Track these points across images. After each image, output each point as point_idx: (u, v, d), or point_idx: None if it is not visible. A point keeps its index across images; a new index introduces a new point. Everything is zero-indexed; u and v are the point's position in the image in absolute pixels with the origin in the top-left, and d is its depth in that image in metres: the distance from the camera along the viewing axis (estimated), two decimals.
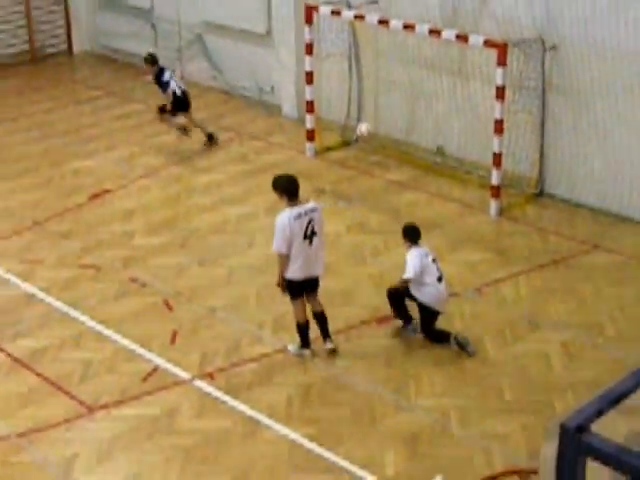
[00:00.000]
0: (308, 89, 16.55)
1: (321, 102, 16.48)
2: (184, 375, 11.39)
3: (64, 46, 23.17)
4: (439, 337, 12.26)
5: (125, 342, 12.21)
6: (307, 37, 16.13)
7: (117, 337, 12.38)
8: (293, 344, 11.99)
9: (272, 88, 18.39)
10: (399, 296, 12.25)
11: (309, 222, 10.81)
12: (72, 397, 11.12)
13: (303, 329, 11.65)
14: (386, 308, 12.48)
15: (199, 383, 11.28)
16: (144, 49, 19.55)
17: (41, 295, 13.34)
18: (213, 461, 10.03)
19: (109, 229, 15.22)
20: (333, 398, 11.12)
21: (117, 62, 21.94)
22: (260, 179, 15.73)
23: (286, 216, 10.66)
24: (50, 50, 22.78)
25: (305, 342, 11.74)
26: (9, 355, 11.95)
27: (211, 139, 18.16)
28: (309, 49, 15.87)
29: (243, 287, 13.48)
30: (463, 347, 11.80)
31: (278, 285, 11.61)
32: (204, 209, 14.38)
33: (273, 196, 13.35)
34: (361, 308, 12.86)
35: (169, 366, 11.56)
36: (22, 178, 17.30)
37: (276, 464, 9.87)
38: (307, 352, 11.81)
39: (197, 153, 18.25)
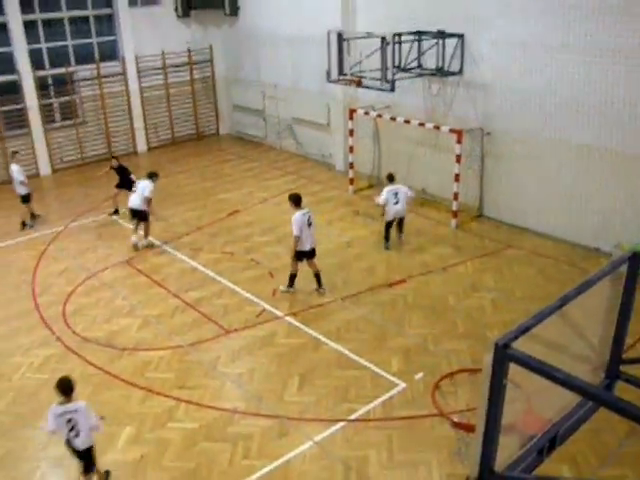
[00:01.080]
0: (350, 156, 16.63)
1: (357, 163, 16.38)
2: (279, 313, 11.69)
3: (214, 130, 23.31)
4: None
5: (247, 295, 12.50)
6: (349, 127, 16.24)
7: (242, 292, 12.64)
8: (282, 286, 12.42)
9: (330, 155, 18.42)
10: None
11: (309, 217, 11.70)
12: (217, 324, 11.55)
13: (293, 277, 12.22)
14: (394, 278, 12.75)
15: (288, 318, 11.63)
16: (259, 133, 19.46)
17: (201, 268, 13.73)
18: (294, 361, 10.42)
19: (238, 232, 15.57)
20: (362, 328, 11.29)
21: (244, 140, 22.40)
22: (322, 206, 16.12)
23: (299, 214, 11.73)
24: (207, 132, 23.03)
25: (291, 285, 12.23)
26: (183, 301, 12.14)
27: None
28: (350, 133, 16.52)
29: (319, 265, 12.80)
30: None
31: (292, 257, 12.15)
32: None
33: (331, 215, 13.63)
34: (378, 278, 12.88)
35: (271, 308, 11.69)
36: (190, 203, 17.75)
37: (329, 365, 10.29)
38: (292, 290, 12.24)
39: (289, 190, 18.48)
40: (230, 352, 10.69)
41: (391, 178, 14.13)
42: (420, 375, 9.87)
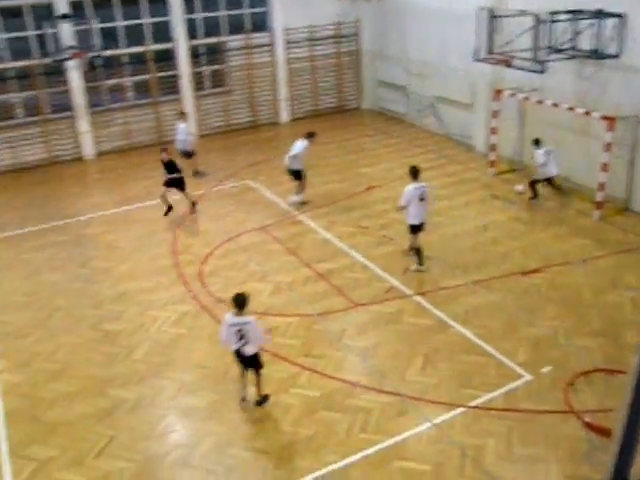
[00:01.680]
0: (492, 137, 16.02)
1: (499, 145, 15.98)
2: (408, 292, 11.57)
3: (356, 105, 23.21)
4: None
5: (378, 270, 12.51)
6: (494, 107, 15.61)
7: (373, 267, 12.66)
8: (414, 265, 12.29)
9: (471, 135, 17.80)
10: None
11: (422, 191, 11.55)
12: (346, 297, 11.64)
13: (419, 253, 12.12)
14: (529, 266, 12.30)
15: (416, 297, 11.52)
16: (401, 110, 19.26)
17: (334, 240, 13.84)
18: (419, 341, 10.29)
19: (375, 207, 15.46)
20: (491, 314, 11.01)
21: (386, 116, 22.30)
22: (460, 187, 15.88)
23: (412, 187, 11.69)
24: (349, 106, 23.11)
25: (421, 262, 12.11)
26: (315, 271, 12.39)
27: None
28: (495, 114, 15.73)
29: (452, 247, 13.29)
30: None
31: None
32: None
33: (468, 197, 13.28)
34: (513, 264, 12.55)
35: (401, 286, 11.82)
36: (330, 175, 17.72)
37: (454, 348, 10.13)
38: (423, 268, 12.07)
39: (426, 169, 17.75)
40: (357, 325, 10.74)
41: (537, 142, 14.45)
42: (548, 369, 9.49)
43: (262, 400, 8.99)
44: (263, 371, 8.93)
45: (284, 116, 23.09)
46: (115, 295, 12.17)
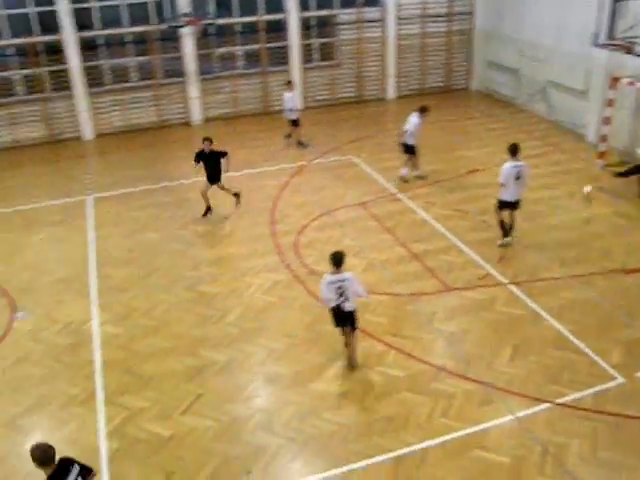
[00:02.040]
0: (604, 127, 15.45)
1: (611, 136, 15.45)
2: (503, 280, 11.35)
3: (464, 85, 22.85)
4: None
5: (474, 255, 12.27)
6: (609, 96, 14.89)
7: (469, 252, 12.43)
8: (499, 239, 12.36)
9: (582, 124, 17.02)
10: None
11: (519, 170, 11.53)
12: (439, 280, 11.54)
13: (502, 225, 12.14)
14: (632, 264, 11.68)
15: (511, 287, 11.22)
16: (510, 93, 18.68)
17: (432, 222, 13.75)
18: (510, 331, 10.09)
19: (475, 191, 15.05)
20: (588, 310, 10.57)
21: (493, 98, 21.75)
22: (565, 177, 15.61)
23: (509, 165, 11.72)
24: (456, 86, 22.99)
25: (505, 234, 12.14)
26: (410, 251, 12.37)
27: None
28: (610, 103, 14.94)
29: (552, 237, 12.85)
30: None
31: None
32: (531, 190, 13.61)
33: (573, 187, 12.83)
34: (614, 261, 11.99)
35: (496, 274, 11.53)
36: (431, 155, 16.97)
37: (545, 342, 9.81)
38: (508, 240, 12.16)
39: (531, 156, 16.40)
40: (447, 310, 10.63)
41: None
42: None
43: (352, 364, 9.22)
44: (357, 332, 9.16)
45: (390, 93, 22.88)
46: (212, 259, 12.50)
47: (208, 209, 14.17)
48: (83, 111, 20.03)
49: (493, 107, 21.65)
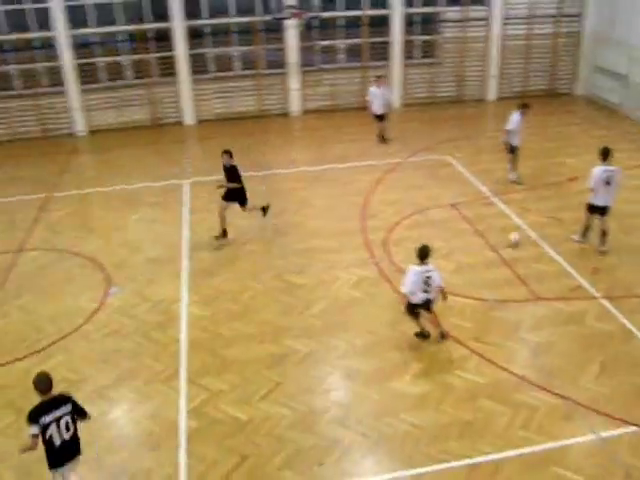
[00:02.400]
0: None
1: None
2: (596, 294, 10.96)
3: (567, 90, 22.83)
4: None
5: (566, 266, 11.84)
6: None
7: (562, 262, 11.99)
8: (575, 235, 12.39)
9: None
10: None
11: (609, 175, 11.31)
12: (528, 288, 11.19)
13: (586, 229, 12.19)
14: None
15: (604, 301, 10.77)
16: (616, 99, 17.95)
17: (525, 227, 13.26)
18: (598, 347, 9.64)
19: (573, 200, 14.15)
20: None
21: (598, 104, 21.58)
22: None
23: (598, 169, 11.56)
24: (559, 90, 22.60)
25: (584, 235, 12.22)
26: (500, 256, 12.25)
27: None
28: None
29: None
30: None
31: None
32: (631, 202, 13.51)
33: None
34: None
35: (588, 286, 11.15)
36: (528, 161, 16.04)
37: (636, 361, 9.31)
38: (584, 240, 12.23)
39: (633, 167, 15.05)
40: (534, 319, 10.34)
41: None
42: None
43: (443, 336, 9.64)
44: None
45: (491, 94, 22.41)
46: (302, 249, 12.61)
47: (224, 233, 12.78)
48: (186, 97, 20.58)
49: (597, 113, 20.83)
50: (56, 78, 19.89)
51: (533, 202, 14.35)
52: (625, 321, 10.19)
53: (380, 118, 18.10)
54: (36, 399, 6.52)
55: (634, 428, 8.13)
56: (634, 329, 9.99)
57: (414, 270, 9.20)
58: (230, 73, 20.94)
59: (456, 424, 8.24)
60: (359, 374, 9.17)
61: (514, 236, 12.45)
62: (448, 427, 8.20)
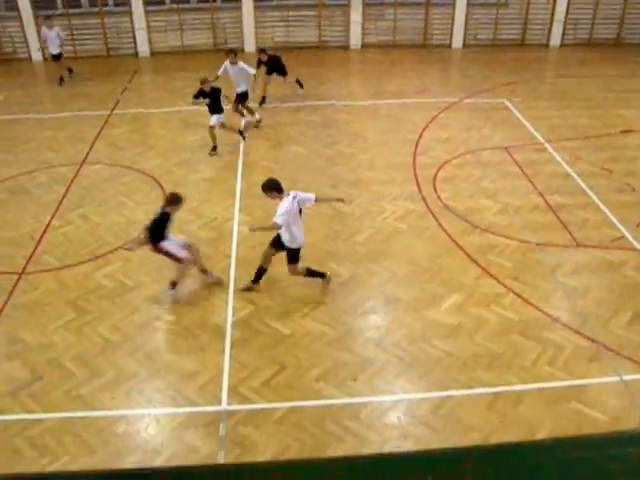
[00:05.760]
0: None
1: None
2: (638, 246, 10.85)
3: (638, 40, 21.01)
4: None
5: (610, 216, 11.79)
6: None
7: (607, 212, 11.94)
8: None
9: None
10: None
11: None
12: (571, 234, 11.28)
13: None
14: None
15: None
16: None
17: (574, 176, 13.23)
18: (633, 297, 9.71)
19: (625, 152, 14.23)
20: None
21: None
22: None
23: None
24: (629, 40, 22.08)
25: None
26: (546, 202, 12.28)
27: None
28: None
29: None
30: None
31: None
32: None
33: None
34: None
35: (631, 238, 11.17)
36: (584, 110, 16.45)
37: None
38: None
39: None
40: (573, 264, 10.48)
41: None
42: None
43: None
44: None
45: (555, 40, 21.96)
46: (352, 180, 12.92)
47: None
48: (248, 24, 20.69)
49: None
50: None
51: (584, 150, 14.25)
52: None
53: None
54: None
55: None
56: None
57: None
58: (292, 2, 20.90)
59: (486, 355, 8.60)
60: (398, 301, 9.57)
61: None
62: (478, 357, 8.57)
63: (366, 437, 7.38)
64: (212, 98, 13.41)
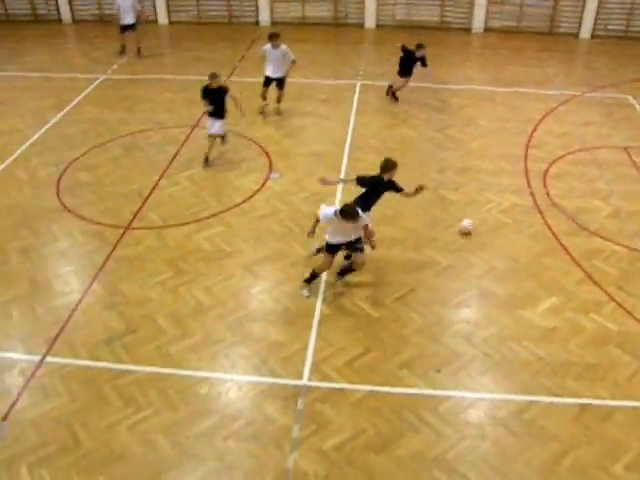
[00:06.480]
0: None
1: None
2: None
3: None
4: None
5: None
6: None
7: None
8: None
9: None
10: None
11: None
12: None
13: None
14: None
15: None
16: None
17: None
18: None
19: None
20: None
21: None
22: None
23: None
24: None
25: None
26: None
27: None
28: None
29: None
30: None
31: None
32: None
33: None
34: None
35: None
36: None
37: None
38: None
39: None
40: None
41: None
42: None
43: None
44: None
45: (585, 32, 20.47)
46: (460, 167, 12.62)
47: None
48: (369, 0, 20.44)
49: None
50: None
51: None
52: None
53: None
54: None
55: None
56: None
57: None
58: None
59: (578, 364, 8.23)
60: (493, 296, 9.30)
61: (466, 223, 10.74)
62: (570, 365, 8.21)
63: (442, 431, 7.25)
64: (217, 98, 11.90)
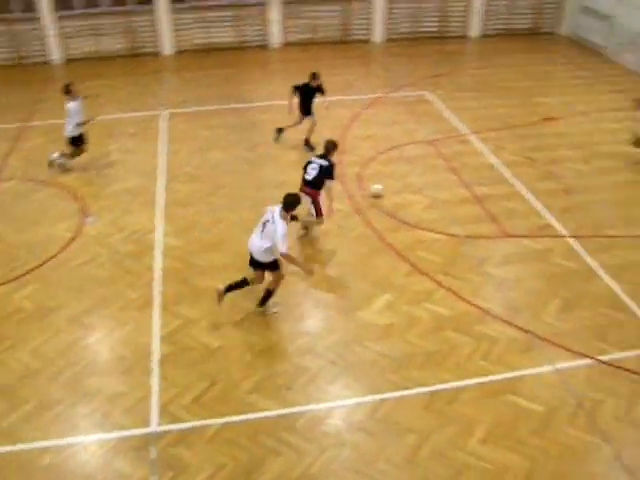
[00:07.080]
0: None
1: None
2: (564, 232, 11.26)
3: (551, 29, 21.29)
4: None
5: (537, 205, 12.08)
6: None
7: (533, 200, 12.25)
8: None
9: None
10: None
11: None
12: (498, 225, 11.48)
13: None
14: None
15: (570, 240, 11.07)
16: (601, 42, 18.19)
17: (499, 166, 13.51)
18: (562, 284, 9.97)
19: (547, 140, 14.76)
20: None
21: (581, 45, 21.96)
22: None
23: None
24: (543, 30, 21.21)
25: None
26: (472, 193, 12.22)
27: None
28: None
29: (630, 197, 12.51)
30: None
31: None
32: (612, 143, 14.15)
33: None
34: None
35: (557, 225, 11.46)
36: (506, 99, 17.02)
37: (597, 299, 9.66)
38: None
39: (611, 109, 15.63)
40: (502, 255, 10.60)
41: None
42: None
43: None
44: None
45: (474, 31, 22.25)
46: (277, 182, 12.67)
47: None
48: (164, 27, 20.25)
49: (580, 55, 20.82)
50: (29, 2, 19.38)
51: (508, 140, 14.52)
52: (590, 260, 10.50)
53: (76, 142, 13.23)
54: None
55: (590, 361, 8.50)
56: (598, 268, 10.29)
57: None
58: (209, 2, 20.53)
59: (420, 354, 8.58)
60: (329, 304, 9.48)
61: (376, 188, 11.88)
62: (412, 356, 8.54)
63: (303, 448, 7.25)
64: None
